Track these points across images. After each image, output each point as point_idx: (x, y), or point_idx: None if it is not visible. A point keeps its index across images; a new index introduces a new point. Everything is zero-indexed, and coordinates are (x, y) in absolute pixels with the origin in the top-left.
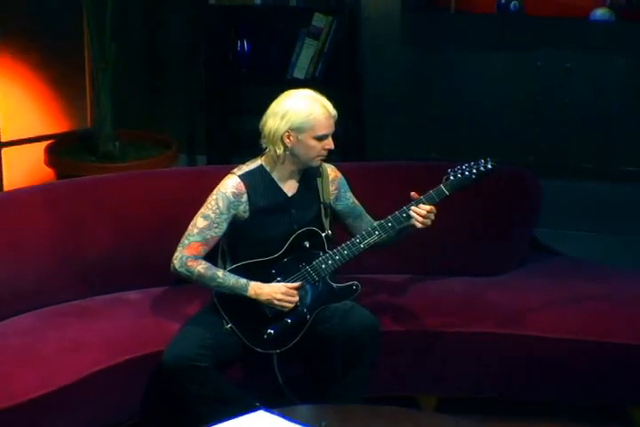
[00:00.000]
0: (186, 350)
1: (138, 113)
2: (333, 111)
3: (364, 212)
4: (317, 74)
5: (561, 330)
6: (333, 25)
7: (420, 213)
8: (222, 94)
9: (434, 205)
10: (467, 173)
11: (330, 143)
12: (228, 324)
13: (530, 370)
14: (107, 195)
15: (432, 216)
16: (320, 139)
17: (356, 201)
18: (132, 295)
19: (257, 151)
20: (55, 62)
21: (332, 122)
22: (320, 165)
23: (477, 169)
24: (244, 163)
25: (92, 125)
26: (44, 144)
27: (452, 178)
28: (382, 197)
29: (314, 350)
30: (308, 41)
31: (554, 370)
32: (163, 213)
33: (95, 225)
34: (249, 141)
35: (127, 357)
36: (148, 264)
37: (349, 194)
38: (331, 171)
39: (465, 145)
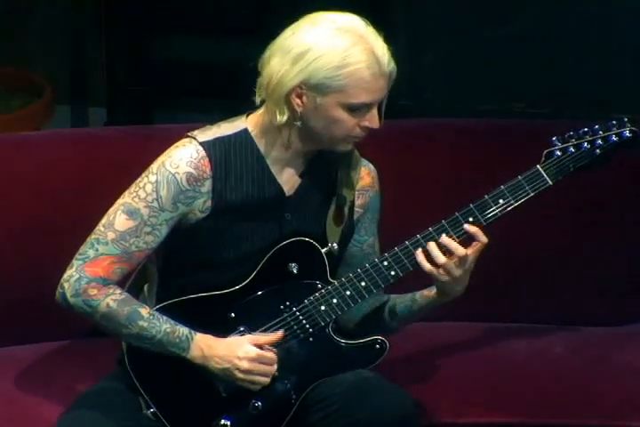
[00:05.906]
0: None
1: None
2: (389, 64)
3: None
4: None
5: None
6: None
7: (437, 258)
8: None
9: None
10: (586, 144)
11: (373, 119)
12: (148, 407)
13: None
14: None
15: (456, 271)
16: (356, 109)
17: (377, 244)
18: None
19: (204, 102)
20: None
21: (382, 83)
22: (351, 152)
23: (606, 138)
24: (190, 124)
25: None
26: None
27: (558, 153)
28: (421, 185)
29: None
30: None
31: None
32: (35, 208)
33: None
34: (189, 82)
35: None
36: (8, 301)
37: (374, 228)
38: (366, 173)
39: (568, 91)
